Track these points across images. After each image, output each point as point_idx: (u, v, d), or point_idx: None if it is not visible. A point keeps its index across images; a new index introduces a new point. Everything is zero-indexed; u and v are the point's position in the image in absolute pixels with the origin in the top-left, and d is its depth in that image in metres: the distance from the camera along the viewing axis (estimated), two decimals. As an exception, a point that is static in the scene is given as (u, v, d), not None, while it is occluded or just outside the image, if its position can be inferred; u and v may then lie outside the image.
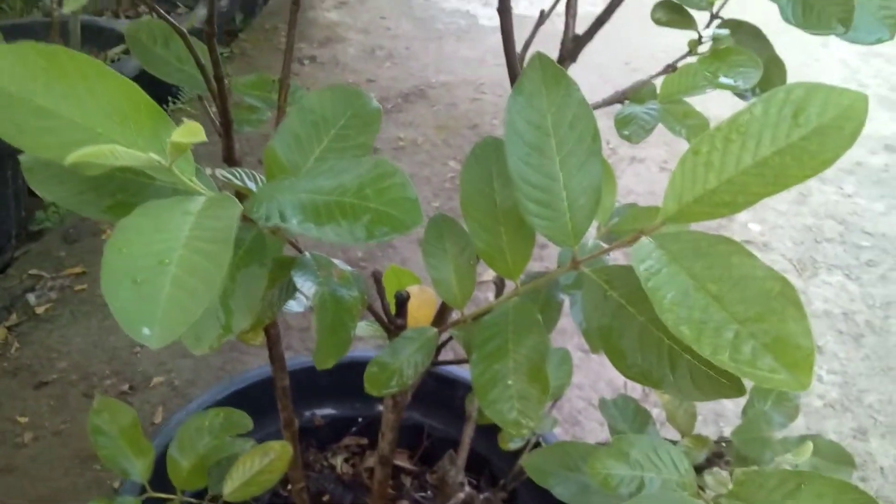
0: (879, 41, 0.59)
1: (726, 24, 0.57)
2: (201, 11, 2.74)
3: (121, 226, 0.34)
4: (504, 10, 0.53)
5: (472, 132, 2.73)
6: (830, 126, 0.41)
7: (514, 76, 0.55)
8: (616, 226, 0.77)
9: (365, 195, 0.39)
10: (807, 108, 0.41)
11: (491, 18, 3.74)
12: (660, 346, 0.42)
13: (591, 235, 0.79)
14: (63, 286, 1.83)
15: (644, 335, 0.43)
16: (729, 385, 0.40)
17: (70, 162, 0.33)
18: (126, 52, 2.27)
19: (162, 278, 0.32)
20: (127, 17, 2.67)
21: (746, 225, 2.42)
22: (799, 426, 1.68)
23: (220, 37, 3.17)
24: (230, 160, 0.66)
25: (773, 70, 0.57)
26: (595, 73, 3.19)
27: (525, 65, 0.47)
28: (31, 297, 1.79)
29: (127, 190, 0.39)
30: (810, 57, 3.49)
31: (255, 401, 1.03)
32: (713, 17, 0.58)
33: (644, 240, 0.42)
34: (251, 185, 0.50)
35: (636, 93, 0.65)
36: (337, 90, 0.49)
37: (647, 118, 0.65)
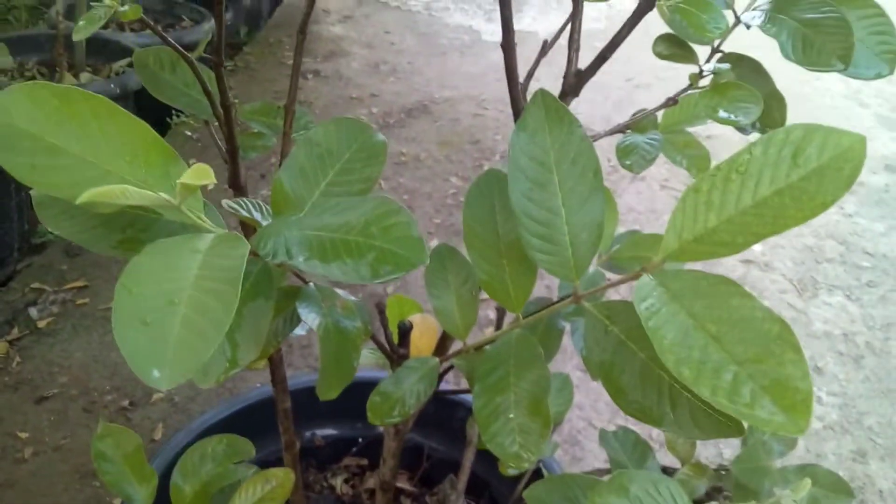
0: (879, 76, 0.60)
1: (727, 57, 0.58)
2: (207, 26, 2.75)
3: (131, 266, 0.34)
4: (508, 47, 0.54)
5: (474, 148, 2.75)
6: (829, 167, 0.41)
7: (517, 111, 0.56)
8: (617, 253, 0.78)
9: (370, 233, 0.39)
10: (806, 149, 0.42)
11: (493, 34, 3.76)
12: (660, 383, 0.43)
13: (593, 262, 0.79)
14: (65, 300, 1.83)
15: (645, 372, 0.43)
16: (729, 424, 0.40)
17: (81, 202, 0.34)
18: (131, 65, 2.29)
19: (172, 319, 0.32)
20: (132, 29, 2.68)
21: (747, 244, 2.43)
22: (798, 449, 1.68)
23: (224, 50, 3.19)
24: (236, 186, 0.67)
25: (773, 104, 0.58)
26: (597, 90, 3.20)
27: (528, 97, 0.47)
28: (34, 311, 1.79)
29: (136, 225, 0.40)
30: (811, 75, 3.50)
31: (257, 420, 1.04)
32: (714, 50, 0.58)
33: (645, 278, 0.43)
34: (258, 215, 0.50)
35: (638, 123, 0.66)
36: (343, 123, 0.49)
37: (648, 148, 0.66)
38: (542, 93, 0.46)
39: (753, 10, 0.57)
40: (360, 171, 0.48)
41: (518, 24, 4.03)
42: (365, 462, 1.14)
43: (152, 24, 0.57)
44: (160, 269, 0.34)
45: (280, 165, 0.65)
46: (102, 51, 2.36)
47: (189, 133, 2.66)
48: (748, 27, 0.56)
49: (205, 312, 0.33)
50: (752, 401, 0.36)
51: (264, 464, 1.11)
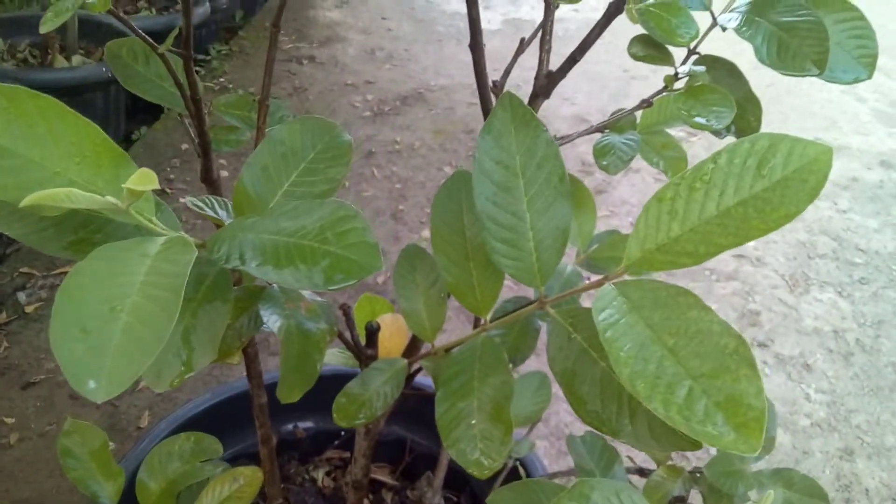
0: (857, 81, 0.59)
1: (702, 60, 0.57)
2: (200, 10, 2.74)
3: (75, 270, 0.34)
4: (476, 47, 0.53)
5: (468, 136, 2.73)
6: (794, 178, 0.41)
7: (486, 112, 0.55)
8: (595, 252, 0.77)
9: (325, 238, 0.39)
10: (771, 160, 0.41)
11: (490, 21, 3.74)
12: (620, 394, 0.42)
13: (571, 261, 0.79)
14: (54, 285, 1.83)
15: (605, 382, 0.43)
16: (686, 438, 0.40)
17: (25, 204, 0.33)
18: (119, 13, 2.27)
19: (112, 326, 0.32)
20: (125, 12, 2.67)
21: (740, 238, 2.42)
22: (785, 446, 1.68)
23: (219, 34, 3.17)
24: (208, 180, 0.66)
25: (748, 107, 0.57)
26: (594, 82, 3.19)
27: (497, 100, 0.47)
28: (22, 296, 1.79)
29: (88, 227, 0.39)
30: (810, 70, 3.49)
31: (239, 411, 1.03)
32: (690, 52, 0.58)
33: (607, 286, 0.42)
34: (223, 213, 0.50)
35: (616, 124, 0.65)
36: (308, 122, 0.49)
37: (625, 149, 0.65)
38: (510, 96, 0.46)
39: (731, 11, 0.57)
40: (324, 172, 0.47)
41: (517, 13, 4.01)
42: (347, 455, 1.14)
43: (120, 14, 0.57)
44: (105, 275, 0.34)
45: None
46: (95, 33, 2.34)
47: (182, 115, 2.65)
48: (724, 29, 0.55)
49: (147, 321, 0.32)
50: (705, 417, 0.35)
51: (249, 455, 1.11)
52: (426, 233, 2.21)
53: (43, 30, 0.52)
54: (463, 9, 3.98)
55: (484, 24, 3.79)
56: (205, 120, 0.60)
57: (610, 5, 0.48)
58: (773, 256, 2.34)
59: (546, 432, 1.66)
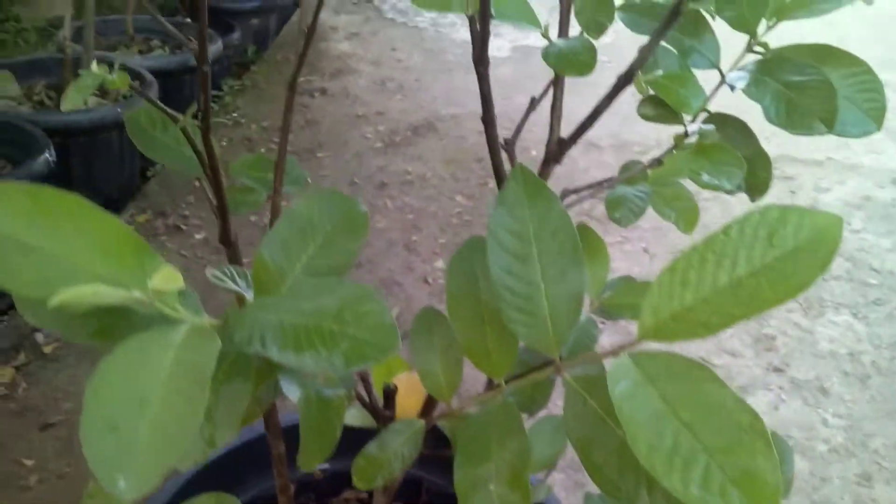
0: (866, 134, 0.60)
1: (712, 118, 0.58)
2: (213, 47, 2.77)
3: (102, 367, 0.34)
4: (489, 121, 0.54)
5: (479, 166, 2.75)
6: (804, 249, 0.41)
7: (499, 179, 0.56)
8: (609, 300, 0.78)
9: (344, 320, 0.39)
10: (781, 230, 0.42)
11: (499, 49, 3.77)
12: (637, 465, 0.42)
13: (585, 309, 0.79)
14: (71, 325, 1.84)
15: (622, 451, 0.43)
16: (703, 510, 0.40)
17: (53, 305, 0.34)
18: (137, 89, 2.30)
19: (140, 422, 0.32)
20: (140, 52, 2.70)
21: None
22: (803, 472, 1.67)
23: (232, 69, 3.21)
24: (227, 242, 0.67)
25: (758, 164, 0.58)
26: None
27: (511, 169, 0.48)
28: (40, 336, 1.80)
29: (112, 314, 0.40)
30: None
31: (259, 455, 1.04)
32: (699, 109, 0.59)
33: (623, 358, 0.43)
34: (242, 284, 0.51)
35: (629, 178, 0.66)
36: (325, 195, 0.50)
37: (637, 201, 0.66)
38: (522, 168, 0.47)
39: (739, 70, 0.58)
40: (342, 244, 0.48)
41: (525, 40, 4.04)
42: (364, 496, 1.14)
43: (139, 88, 0.58)
44: (131, 369, 0.35)
45: (270, 225, 0.66)
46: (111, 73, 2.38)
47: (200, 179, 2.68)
48: (732, 89, 0.56)
49: (174, 415, 0.33)
50: (721, 493, 0.36)
51: (268, 498, 1.11)
52: (440, 263, 2.22)
53: (65, 108, 0.53)
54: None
55: (493, 52, 3.80)
56: (223, 186, 0.62)
57: (619, 78, 0.49)
58: (787, 279, 2.33)
59: (563, 464, 1.65)
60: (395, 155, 2.80)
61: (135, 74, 2.35)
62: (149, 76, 2.36)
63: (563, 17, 0.56)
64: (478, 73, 0.53)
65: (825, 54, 0.57)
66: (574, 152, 2.85)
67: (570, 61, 0.50)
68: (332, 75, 3.41)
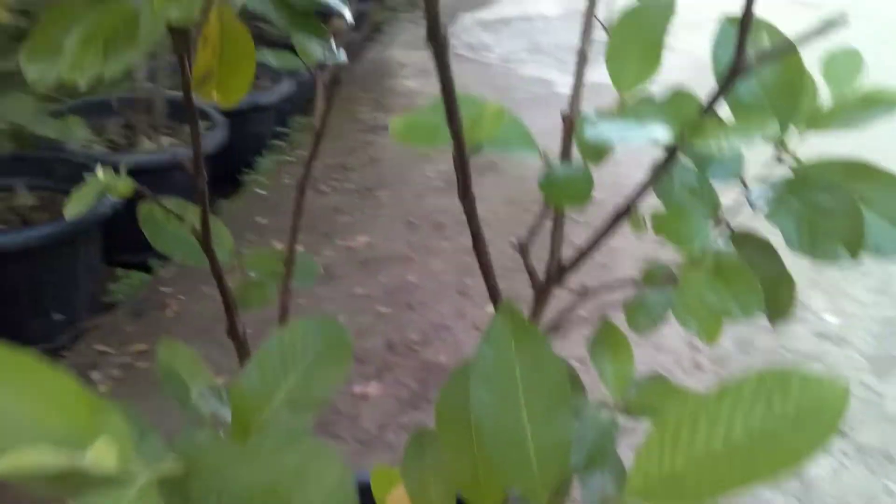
0: (902, 254, 0.55)
1: (734, 238, 0.54)
2: (286, 87, 2.82)
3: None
4: (481, 251, 0.52)
5: (537, 206, 2.71)
6: (806, 417, 0.38)
7: (495, 301, 0.54)
8: (634, 399, 0.74)
9: (303, 480, 0.38)
10: (782, 395, 0.39)
11: (566, 85, 3.72)
12: None
13: (609, 404, 0.76)
14: (125, 364, 1.88)
15: None
16: None
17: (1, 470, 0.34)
18: (209, 128, 2.35)
19: None
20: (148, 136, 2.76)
21: (822, 315, 2.32)
22: (868, 553, 1.58)
23: (301, 105, 3.24)
24: (234, 336, 0.66)
25: (781, 286, 0.54)
26: (628, 152, 3.12)
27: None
28: (96, 375, 1.85)
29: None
30: None
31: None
32: (719, 222, 0.55)
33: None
34: (224, 408, 0.50)
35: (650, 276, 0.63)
36: (310, 323, 0.48)
37: (657, 308, 0.63)
38: (510, 308, 0.44)
39: (762, 185, 0.54)
40: (325, 374, 0.47)
41: (590, 76, 3.98)
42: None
43: (144, 189, 0.58)
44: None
45: (279, 320, 0.65)
46: (183, 113, 2.44)
47: (259, 191, 2.73)
48: (754, 208, 0.53)
49: None
50: None
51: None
52: (490, 308, 2.19)
53: (67, 215, 0.53)
54: (539, 73, 3.99)
55: (560, 89, 3.79)
56: (227, 284, 0.61)
57: (618, 210, 0.47)
58: (857, 335, 2.23)
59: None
60: (454, 195, 2.77)
61: (204, 114, 2.40)
62: (218, 116, 2.42)
63: (564, 143, 0.54)
64: (464, 207, 0.51)
65: (860, 173, 0.53)
66: (599, 194, 2.80)
67: (564, 193, 0.48)
68: (398, 112, 3.43)
